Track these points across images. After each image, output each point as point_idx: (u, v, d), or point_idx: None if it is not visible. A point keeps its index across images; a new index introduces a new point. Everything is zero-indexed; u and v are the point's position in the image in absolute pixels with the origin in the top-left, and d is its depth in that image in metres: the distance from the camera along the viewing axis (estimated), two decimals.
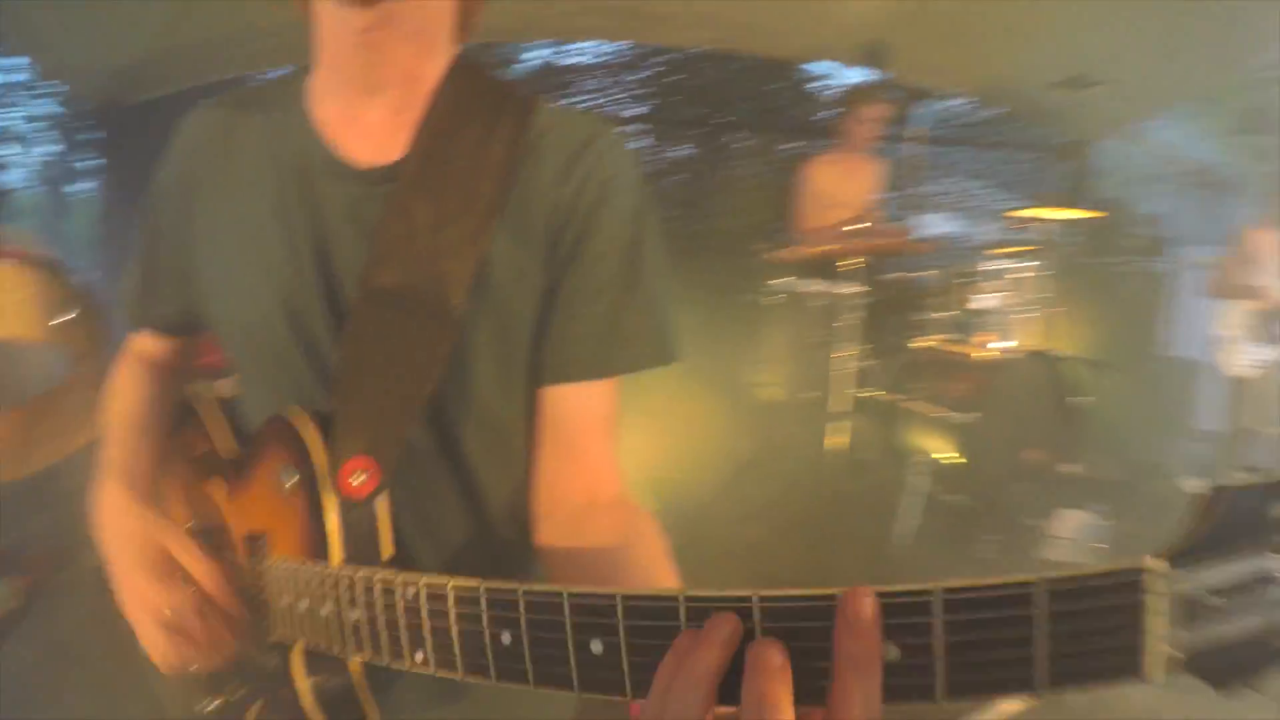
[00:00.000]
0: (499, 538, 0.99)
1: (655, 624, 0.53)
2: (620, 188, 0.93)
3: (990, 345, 4.18)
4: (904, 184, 5.32)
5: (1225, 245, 5.01)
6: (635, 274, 0.93)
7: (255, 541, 0.92)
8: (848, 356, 4.27)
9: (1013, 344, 4.25)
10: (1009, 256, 4.45)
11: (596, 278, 0.91)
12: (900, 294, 4.59)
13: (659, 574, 0.83)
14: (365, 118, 0.92)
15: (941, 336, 4.35)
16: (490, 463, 0.96)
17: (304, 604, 0.81)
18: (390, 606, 0.69)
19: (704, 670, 0.50)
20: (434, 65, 0.93)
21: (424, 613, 0.66)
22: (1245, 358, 4.76)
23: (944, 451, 3.83)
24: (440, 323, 0.86)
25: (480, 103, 0.92)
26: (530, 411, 0.96)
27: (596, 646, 0.55)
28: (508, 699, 0.95)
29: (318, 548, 0.84)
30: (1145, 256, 6.42)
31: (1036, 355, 4.08)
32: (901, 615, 0.45)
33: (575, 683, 0.57)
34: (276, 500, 0.89)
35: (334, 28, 0.86)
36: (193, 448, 1.10)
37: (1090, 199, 6.43)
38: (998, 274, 4.32)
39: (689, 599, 0.52)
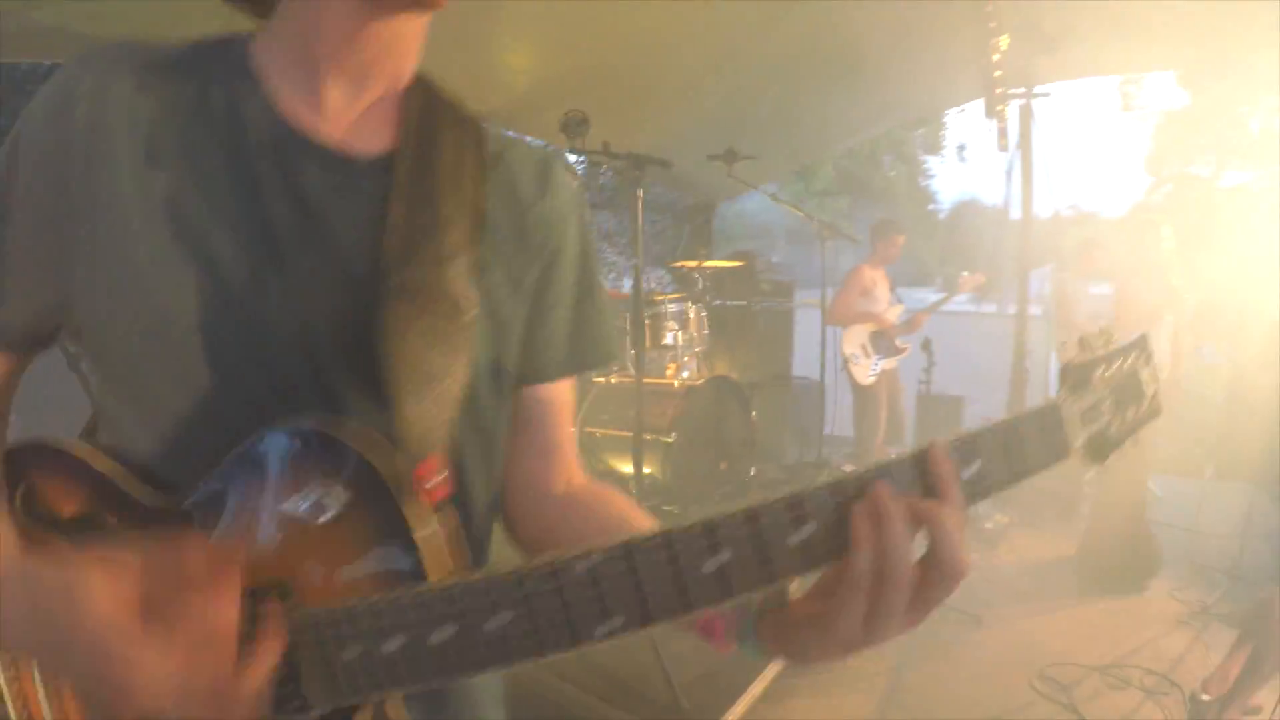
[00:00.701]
0: (475, 539, 0.92)
1: (841, 505, 0.65)
2: (578, 204, 0.99)
3: (678, 375, 4.74)
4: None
5: (840, 283, 6.03)
6: (591, 282, 1.00)
7: (266, 597, 0.71)
8: None
9: (687, 374, 4.84)
10: (676, 300, 5.04)
11: (566, 285, 0.96)
12: None
13: (644, 522, 0.90)
14: (337, 105, 0.85)
15: (626, 371, 4.84)
16: (477, 465, 0.91)
17: (395, 642, 0.67)
18: (556, 589, 0.64)
19: (904, 526, 0.63)
20: (410, 69, 0.91)
21: (604, 580, 0.64)
22: (868, 370, 5.76)
23: (651, 470, 4.28)
24: (457, 324, 0.83)
25: (446, 112, 0.92)
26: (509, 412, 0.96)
27: (800, 535, 0.64)
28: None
29: (389, 575, 0.72)
30: (776, 297, 7.40)
31: (716, 380, 4.69)
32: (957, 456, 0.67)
33: (789, 571, 0.65)
34: (297, 535, 0.73)
35: (334, 13, 0.81)
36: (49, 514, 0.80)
37: (727, 251, 7.34)
38: (673, 315, 4.89)
39: (858, 474, 0.65)
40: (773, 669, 3.21)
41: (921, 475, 0.65)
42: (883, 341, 5.84)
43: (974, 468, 0.68)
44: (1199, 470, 6.40)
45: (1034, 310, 6.77)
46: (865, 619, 0.65)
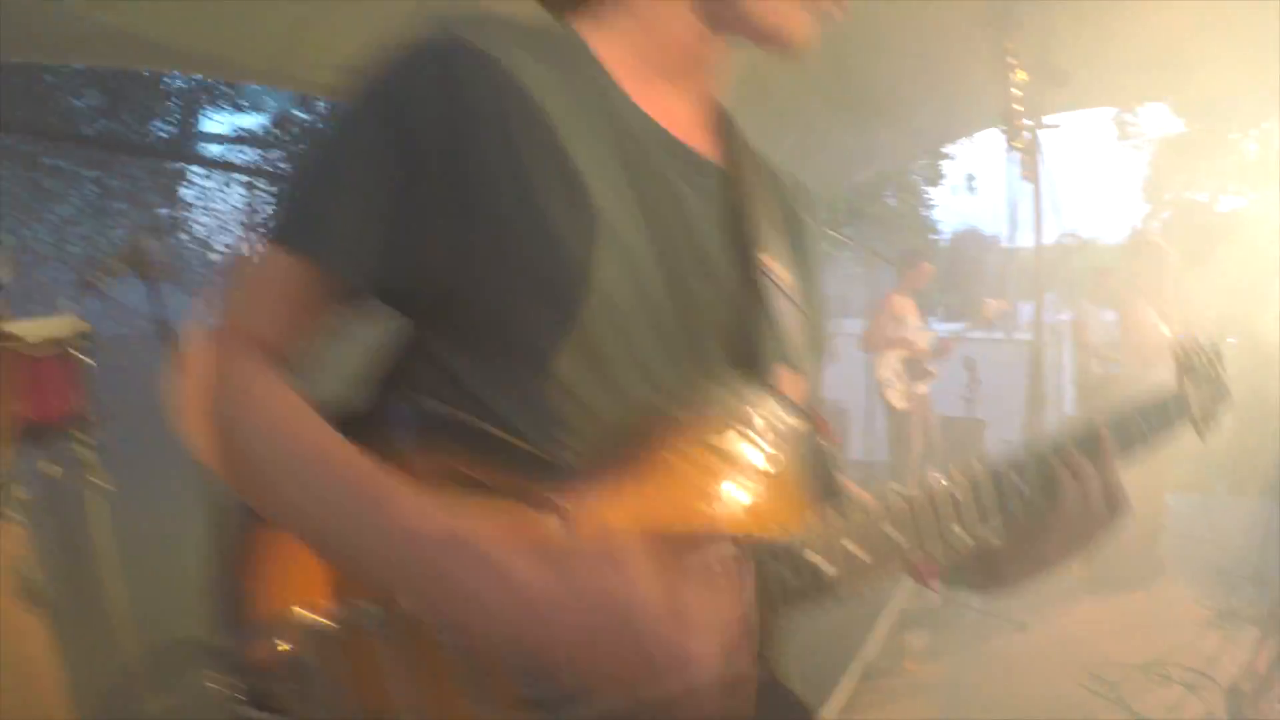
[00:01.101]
0: None
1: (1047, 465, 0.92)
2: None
3: None
4: None
5: (873, 309, 6.30)
6: (822, 296, 1.07)
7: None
8: None
9: None
10: None
11: (815, 296, 1.04)
12: None
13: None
14: (674, 108, 0.92)
15: None
16: None
17: (892, 535, 0.81)
18: (932, 508, 0.83)
19: (1096, 480, 0.91)
20: (720, 87, 0.99)
21: (955, 503, 0.84)
22: (903, 395, 6.03)
23: None
24: (799, 311, 0.96)
25: (739, 128, 1.01)
26: None
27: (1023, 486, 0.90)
28: None
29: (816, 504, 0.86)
30: None
31: None
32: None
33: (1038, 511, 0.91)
34: (755, 481, 0.83)
35: (683, 26, 0.90)
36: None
37: None
38: None
39: (1055, 441, 0.93)
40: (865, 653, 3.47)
41: (1085, 443, 0.93)
42: (915, 366, 6.13)
43: (1145, 428, 1.03)
44: (1210, 486, 6.68)
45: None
46: (1065, 544, 0.92)
